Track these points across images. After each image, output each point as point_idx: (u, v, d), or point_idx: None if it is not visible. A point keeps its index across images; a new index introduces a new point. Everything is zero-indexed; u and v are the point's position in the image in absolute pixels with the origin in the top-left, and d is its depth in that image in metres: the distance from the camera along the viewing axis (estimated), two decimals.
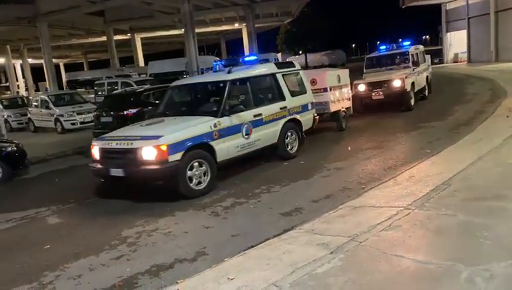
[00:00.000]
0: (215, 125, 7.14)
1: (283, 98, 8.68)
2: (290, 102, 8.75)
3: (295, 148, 8.85)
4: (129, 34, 38.18)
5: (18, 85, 44.75)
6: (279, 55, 49.77)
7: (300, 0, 33.98)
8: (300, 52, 61.74)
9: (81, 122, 16.32)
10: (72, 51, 51.64)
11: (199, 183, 6.82)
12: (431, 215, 4.64)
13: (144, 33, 39.11)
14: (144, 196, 7.10)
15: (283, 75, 8.90)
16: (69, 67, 62.52)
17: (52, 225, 6.40)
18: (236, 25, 39.56)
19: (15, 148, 9.91)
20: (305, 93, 9.37)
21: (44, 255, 5.10)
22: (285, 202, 6.11)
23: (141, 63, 38.63)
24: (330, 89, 10.81)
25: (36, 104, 18.13)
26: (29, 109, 18.52)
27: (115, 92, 16.16)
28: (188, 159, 6.66)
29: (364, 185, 6.50)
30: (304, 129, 9.12)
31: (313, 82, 10.63)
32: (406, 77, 13.29)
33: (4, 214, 7.05)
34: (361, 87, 13.66)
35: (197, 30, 40.02)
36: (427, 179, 5.99)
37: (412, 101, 13.51)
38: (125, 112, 11.52)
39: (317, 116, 9.60)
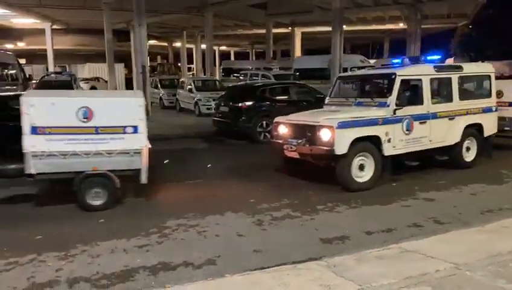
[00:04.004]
0: None
1: None
2: None
3: None
4: (290, 28, 39.06)
5: (191, 67, 49.86)
6: (450, 60, 45.13)
7: (477, 1, 30.16)
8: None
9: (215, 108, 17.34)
10: (241, 41, 55.14)
11: None
12: (481, 284, 3.61)
13: (304, 28, 39.49)
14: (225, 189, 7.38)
15: None
16: (237, 56, 67.35)
17: (122, 200, 6.90)
18: (401, 25, 37.09)
19: None
20: None
21: (90, 228, 5.51)
22: (337, 226, 5.48)
23: None
24: (38, 131, 5.84)
25: (183, 86, 19.92)
26: (178, 90, 20.43)
27: (237, 84, 16.78)
28: None
29: (442, 225, 5.43)
30: None
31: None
32: (339, 126, 6.77)
33: None
34: (282, 130, 7.93)
35: (358, 28, 39.13)
36: None
37: (363, 178, 7.07)
38: (239, 104, 11.80)
39: None
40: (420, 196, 6.77)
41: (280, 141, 7.85)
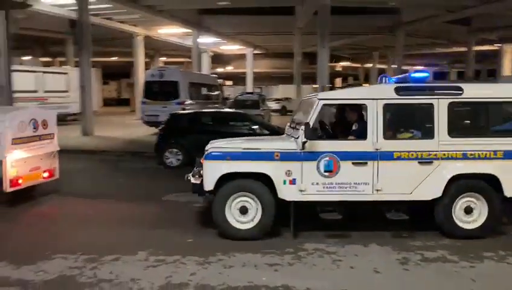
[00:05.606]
0: None
1: None
2: None
3: None
4: (497, 45, 34.56)
5: None
6: None
7: None
8: None
9: None
10: (437, 60, 51.37)
11: None
12: None
13: None
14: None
15: None
16: (435, 76, 62.87)
17: None
18: None
19: None
20: None
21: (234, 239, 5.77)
22: (501, 281, 4.54)
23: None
24: None
25: None
26: None
27: None
28: None
29: None
30: None
31: None
32: (208, 157, 5.78)
33: None
34: None
35: None
36: None
37: (246, 224, 5.72)
38: None
39: None
40: None
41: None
